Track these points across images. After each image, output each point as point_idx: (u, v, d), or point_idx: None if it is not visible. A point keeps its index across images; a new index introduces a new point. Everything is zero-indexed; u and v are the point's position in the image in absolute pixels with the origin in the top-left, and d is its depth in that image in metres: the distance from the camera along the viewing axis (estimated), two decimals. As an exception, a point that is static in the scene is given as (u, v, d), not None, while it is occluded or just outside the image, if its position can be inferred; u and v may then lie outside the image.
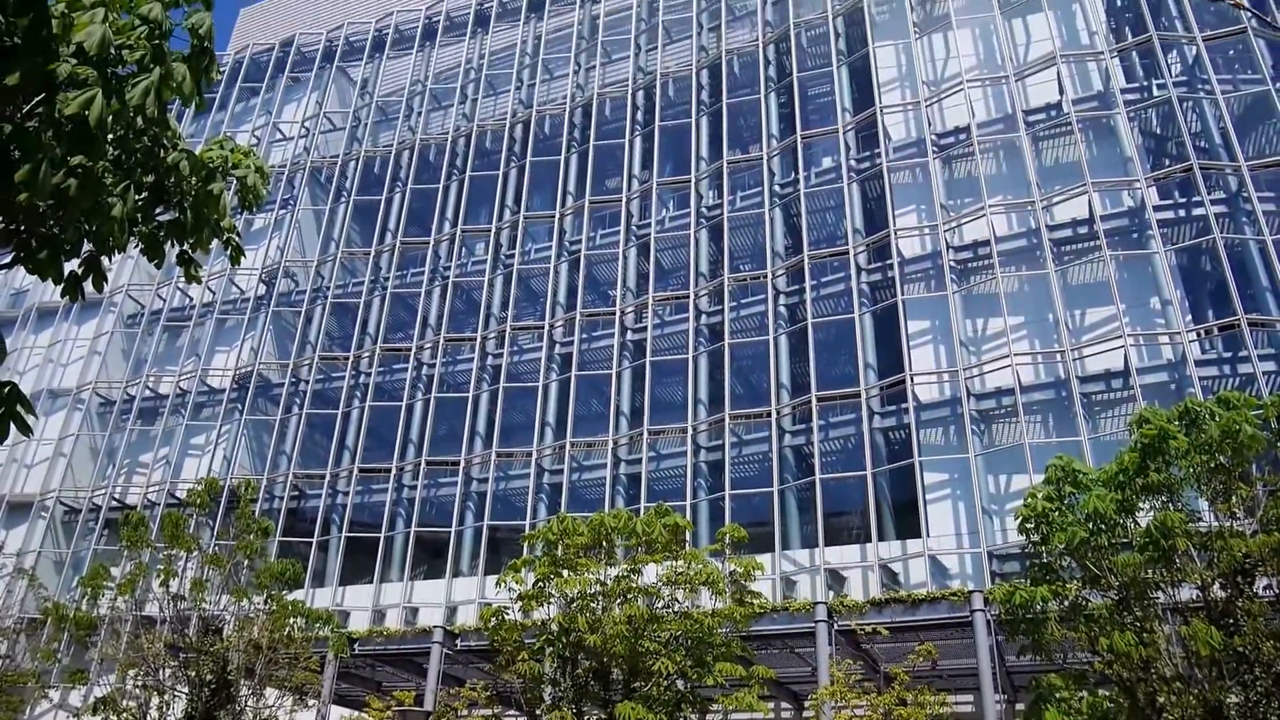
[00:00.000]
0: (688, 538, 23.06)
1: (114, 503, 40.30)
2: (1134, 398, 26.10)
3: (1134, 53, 32.02)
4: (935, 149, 32.88)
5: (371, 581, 34.72)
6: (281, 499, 37.48)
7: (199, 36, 7.61)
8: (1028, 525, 19.40)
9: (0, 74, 6.58)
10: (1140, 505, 18.05)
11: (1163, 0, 32.50)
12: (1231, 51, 31.15)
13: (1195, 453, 17.79)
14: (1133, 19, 33.49)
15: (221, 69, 48.20)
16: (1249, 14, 7.36)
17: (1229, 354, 26.43)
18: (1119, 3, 34.60)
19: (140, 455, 41.84)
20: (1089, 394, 27.32)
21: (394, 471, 36.69)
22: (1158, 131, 31.77)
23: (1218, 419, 17.82)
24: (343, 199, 45.22)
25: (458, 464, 35.97)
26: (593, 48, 44.44)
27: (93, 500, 40.62)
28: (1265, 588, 15.95)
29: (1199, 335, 27.13)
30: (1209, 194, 27.92)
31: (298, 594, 30.30)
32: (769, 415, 31.55)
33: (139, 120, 7.30)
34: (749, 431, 32.35)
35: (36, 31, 6.66)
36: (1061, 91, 31.47)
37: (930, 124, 33.38)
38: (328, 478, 37.48)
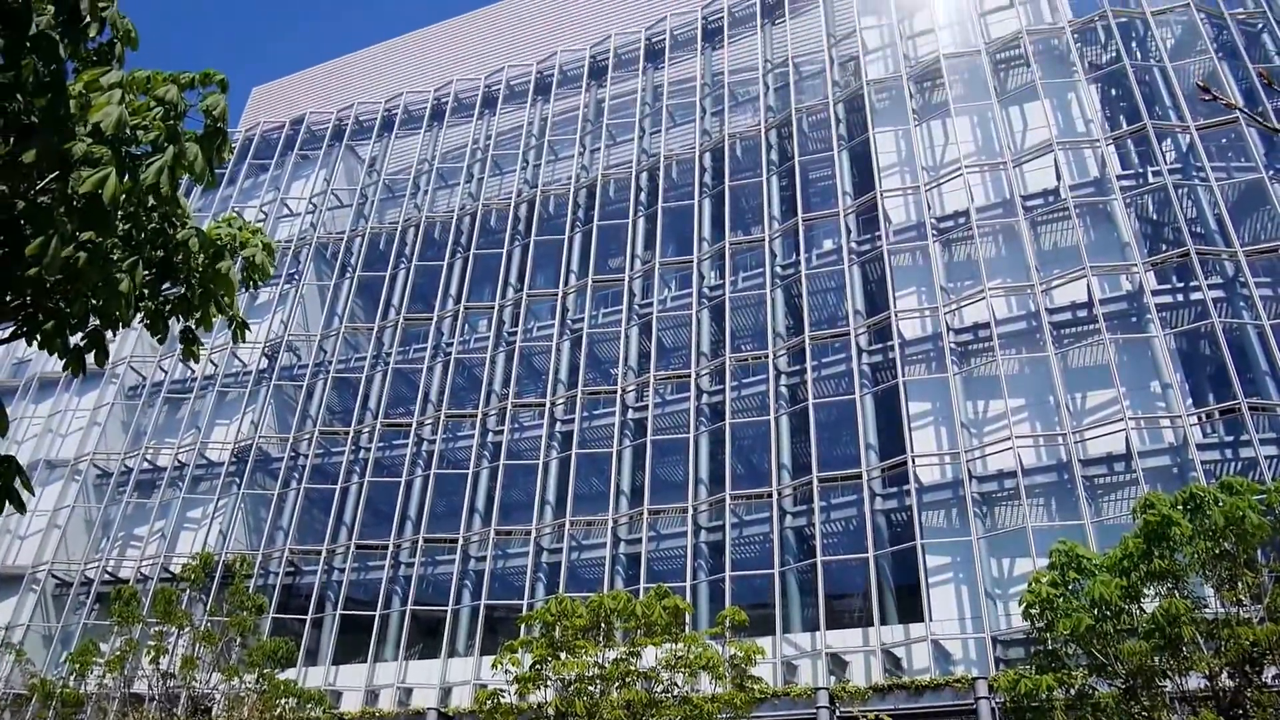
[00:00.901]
0: (687, 620, 22.74)
1: (107, 576, 39.78)
2: (1136, 481, 25.97)
3: (1129, 140, 32.62)
4: (935, 232, 33.28)
5: (365, 661, 34.10)
6: (276, 575, 37.05)
7: (213, 118, 7.78)
8: (1032, 611, 19.15)
9: (16, 151, 6.72)
10: (1145, 592, 17.84)
11: (1156, 90, 33.24)
12: (1224, 140, 31.75)
13: (1200, 539, 17.66)
14: (1127, 108, 34.21)
15: (232, 146, 49.17)
16: (1240, 110, 7.57)
17: (1230, 438, 26.38)
18: (1114, 92, 35.37)
19: (135, 528, 41.47)
20: (1091, 477, 27.19)
21: (391, 548, 36.31)
22: (1154, 217, 32.19)
23: (1221, 505, 17.72)
24: (347, 274, 45.65)
25: (456, 541, 35.63)
26: (598, 130, 45.31)
27: (85, 574, 40.12)
28: (1274, 677, 15.67)
29: (1200, 419, 27.11)
30: (1206, 279, 28.19)
31: (290, 673, 29.76)
32: (770, 496, 31.36)
33: (151, 198, 7.42)
34: (750, 512, 32.11)
35: (54, 111, 6.82)
36: (1059, 177, 31.98)
37: (930, 208, 33.84)
38: (324, 554, 37.09)
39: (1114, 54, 34.37)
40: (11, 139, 6.83)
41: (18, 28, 6.52)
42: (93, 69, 7.24)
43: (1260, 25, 33.70)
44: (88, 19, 7.08)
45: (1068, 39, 34.90)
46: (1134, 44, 34.71)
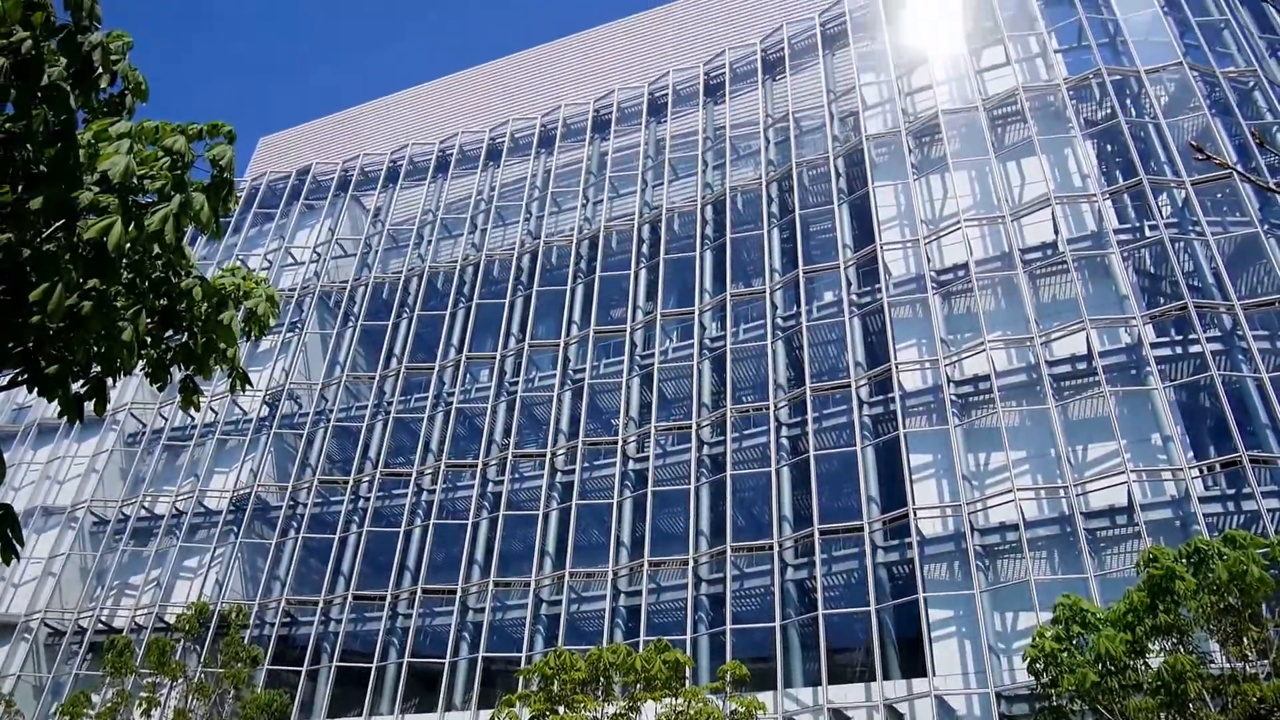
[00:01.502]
0: (688, 674, 22.48)
1: (100, 626, 39.40)
2: (1139, 534, 25.82)
3: (1125, 195, 32.94)
4: (935, 285, 33.46)
5: (361, 714, 33.62)
6: (272, 625, 36.67)
7: (220, 168, 7.89)
8: (1036, 666, 18.97)
9: (24, 199, 6.81)
10: (1150, 647, 17.68)
11: (1151, 146, 33.63)
12: (1220, 195, 32.05)
13: (1204, 593, 17.55)
14: (1123, 163, 34.59)
15: (238, 195, 49.68)
16: (1234, 169, 7.69)
17: (1232, 491, 26.27)
18: (1109, 148, 35.78)
19: (131, 577, 41.15)
20: (1093, 530, 27.03)
21: (389, 599, 36.00)
22: (1152, 271, 32.39)
23: (1225, 559, 17.63)
24: (350, 323, 45.84)
25: (454, 592, 35.32)
26: (601, 182, 45.79)
27: (78, 623, 39.73)
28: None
29: (1201, 472, 27.02)
30: (1205, 332, 28.28)
31: (283, 726, 29.35)
32: (771, 548, 31.16)
33: (155, 246, 7.50)
34: (751, 564, 31.88)
35: (63, 160, 6.92)
36: (1056, 231, 32.23)
37: (930, 261, 34.07)
38: (321, 604, 36.75)
39: (1109, 110, 34.83)
40: (20, 187, 6.93)
41: (30, 79, 6.64)
42: (103, 119, 7.36)
43: (1251, 83, 34.21)
44: (100, 71, 7.21)
45: (1063, 96, 35.40)
46: (1128, 101, 35.19)
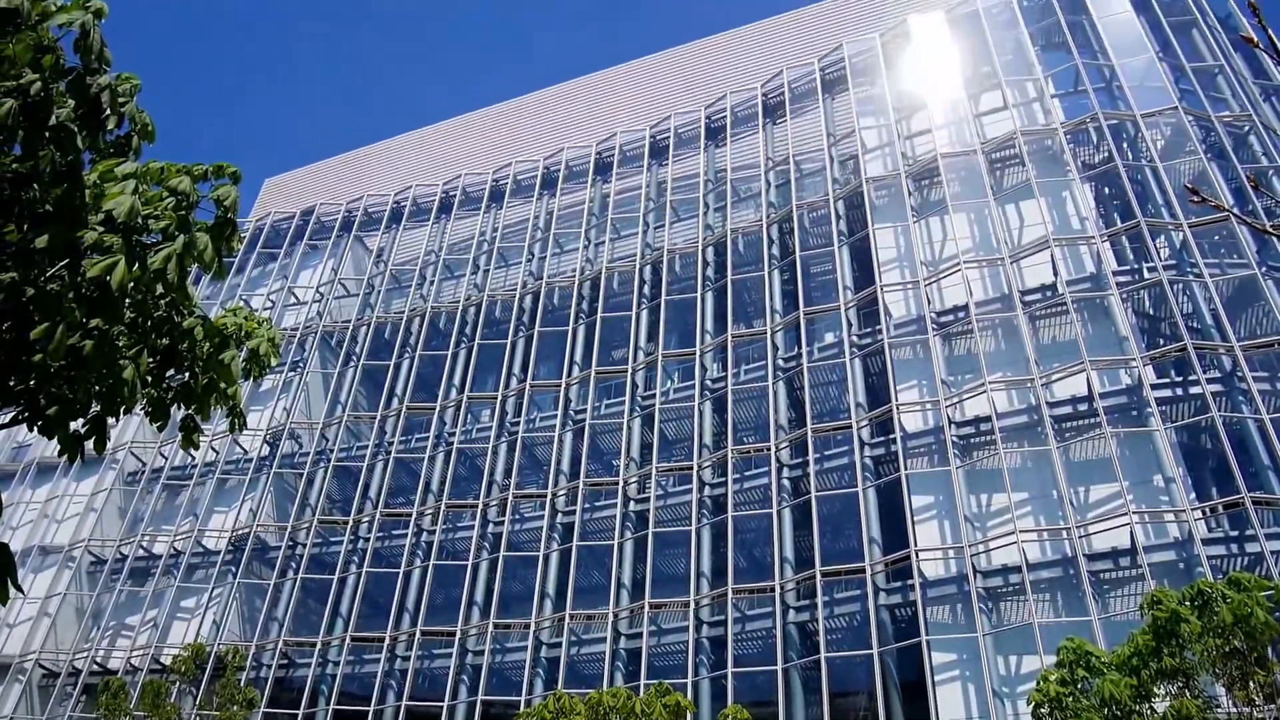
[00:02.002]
0: (689, 719, 22.23)
1: (95, 667, 39.05)
2: (1143, 576, 25.65)
3: (1124, 237, 33.13)
4: (935, 326, 33.54)
5: (357, 759, 33.21)
6: (269, 667, 36.33)
7: (224, 208, 7.98)
8: (1041, 710, 18.74)
9: (29, 238, 6.88)
10: (1156, 690, 17.49)
11: (1148, 188, 33.88)
12: (1217, 237, 32.23)
13: (1209, 636, 17.39)
14: (1120, 206, 34.83)
15: (242, 235, 50.04)
16: (1230, 212, 7.78)
17: (1235, 532, 26.13)
18: (1106, 190, 36.05)
19: (127, 617, 40.86)
20: (1097, 572, 26.86)
21: (388, 641, 35.70)
22: (1151, 312, 32.49)
23: (1229, 601, 17.50)
24: (352, 363, 45.92)
25: (454, 634, 35.04)
26: (602, 224, 46.10)
27: (73, 664, 39.37)
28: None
29: (1204, 513, 26.90)
30: (1205, 373, 28.32)
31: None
32: (773, 590, 30.95)
33: (159, 286, 7.55)
34: (752, 606, 31.64)
35: (69, 200, 7.00)
36: (1055, 273, 32.38)
37: (930, 302, 34.18)
38: (319, 645, 36.45)
39: (1106, 154, 35.14)
40: (25, 226, 7.00)
41: (38, 120, 6.75)
42: (109, 160, 7.46)
43: (1246, 128, 34.54)
44: (107, 112, 7.32)
45: (1060, 140, 35.74)
46: (1125, 144, 35.52)
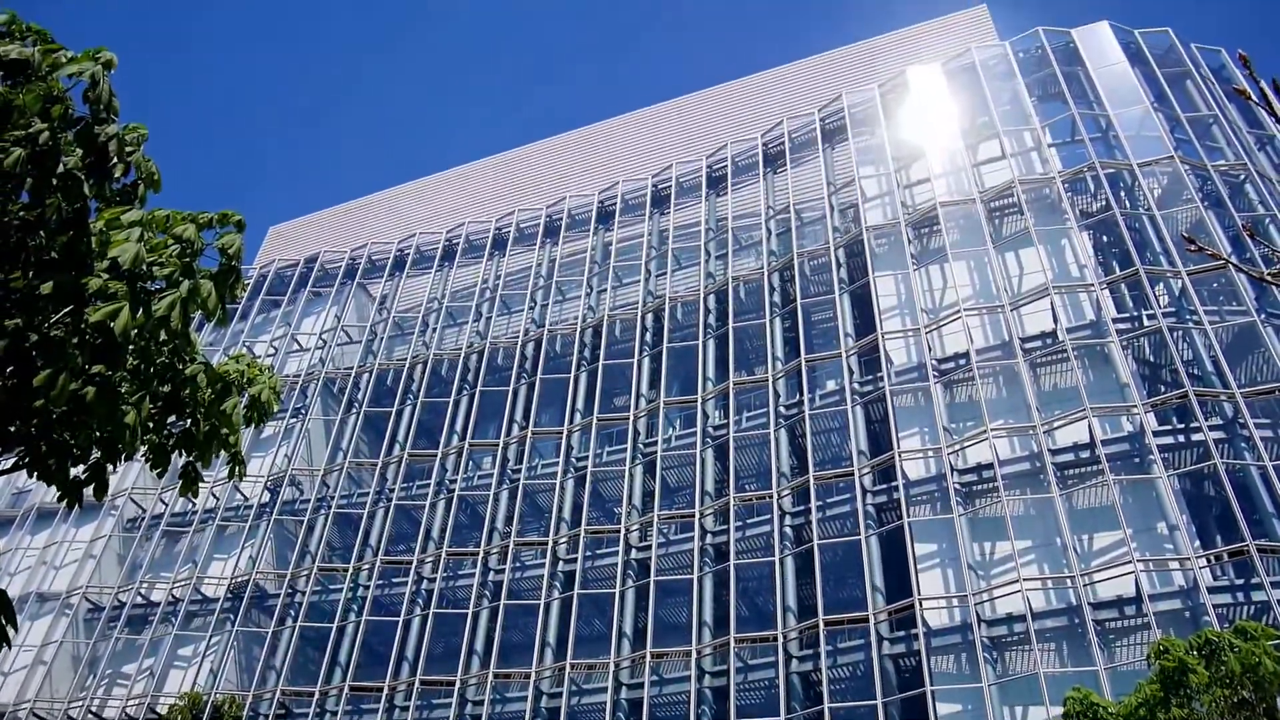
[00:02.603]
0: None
1: (91, 716, 38.56)
2: (1148, 625, 25.42)
3: (1123, 285, 33.29)
4: (936, 374, 33.58)
5: (353, 812, 32.67)
6: (266, 717, 35.88)
7: (228, 256, 8.06)
8: (1046, 763, 18.46)
9: (34, 285, 6.96)
10: (1163, 743, 17.24)
11: (1146, 236, 34.12)
12: (1216, 284, 32.38)
13: (1217, 686, 17.20)
14: (1119, 253, 35.04)
15: (246, 282, 50.33)
16: (1227, 261, 7.88)
17: (1241, 580, 25.94)
18: (1105, 239, 36.29)
19: (124, 665, 40.43)
20: (1102, 621, 26.60)
21: (386, 690, 35.29)
22: (1151, 359, 32.54)
23: (1237, 651, 17.34)
24: (354, 410, 45.92)
25: (453, 684, 34.64)
26: (604, 271, 46.38)
27: (69, 713, 38.88)
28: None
29: (1209, 561, 26.71)
30: (1206, 420, 28.28)
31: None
32: (775, 639, 30.64)
33: (162, 332, 7.61)
34: (755, 656, 31.31)
35: (75, 247, 7.09)
36: (1055, 320, 32.49)
37: (930, 350, 34.25)
38: (316, 695, 36.03)
39: (1104, 203, 35.44)
40: (30, 273, 7.08)
41: (46, 169, 6.86)
42: (115, 207, 7.56)
43: (1242, 176, 34.87)
44: (114, 161, 7.44)
45: (1058, 188, 36.07)
46: (1122, 193, 35.83)
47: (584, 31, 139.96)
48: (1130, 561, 26.68)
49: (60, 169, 6.91)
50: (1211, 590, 25.53)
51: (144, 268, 7.16)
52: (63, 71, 6.99)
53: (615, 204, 48.66)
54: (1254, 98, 6.74)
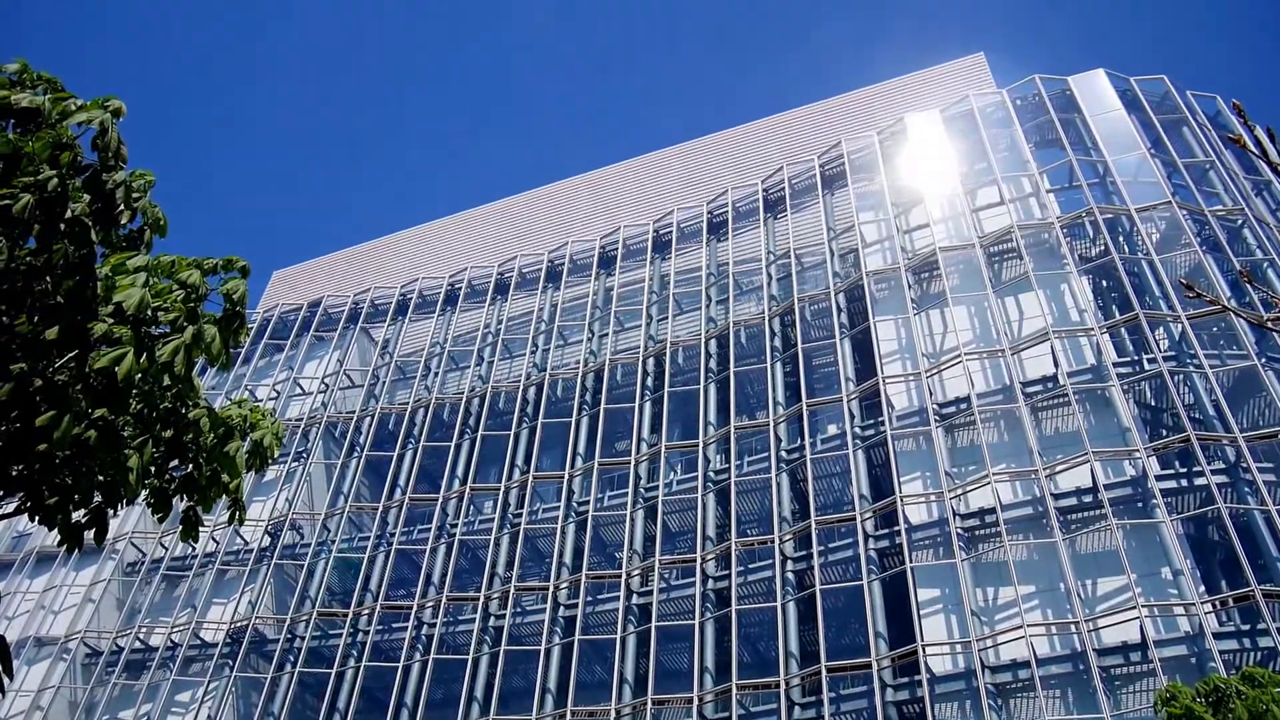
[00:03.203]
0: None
1: (86, 767, 38.12)
2: (1154, 672, 25.17)
3: (1123, 329, 33.40)
4: (937, 418, 33.58)
5: None
6: (263, 767, 35.44)
7: (232, 301, 8.17)
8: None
9: (40, 330, 7.05)
10: (1171, 793, 17.02)
11: (1145, 281, 34.30)
12: (1216, 328, 32.48)
13: (1224, 735, 17.00)
14: (1119, 298, 35.19)
15: (249, 326, 50.54)
16: (1226, 307, 7.99)
17: (1247, 626, 25.70)
18: (1104, 283, 36.47)
19: (121, 711, 39.95)
20: (1107, 667, 26.34)
21: (384, 739, 34.85)
22: (1152, 403, 32.54)
23: (1245, 698, 17.18)
24: (355, 454, 45.87)
25: (452, 732, 34.21)
26: (606, 316, 46.58)
27: (64, 763, 38.45)
28: None
29: (1214, 606, 26.49)
30: (1209, 464, 28.21)
31: None
32: (777, 686, 30.33)
33: (165, 377, 7.69)
34: (757, 703, 30.98)
35: (80, 293, 7.19)
36: (1056, 365, 32.54)
37: (931, 394, 34.29)
38: (314, 744, 35.58)
39: (1103, 247, 35.66)
40: (36, 318, 7.18)
41: (53, 215, 6.98)
42: (121, 253, 7.67)
43: (1240, 221, 35.12)
44: (121, 207, 7.56)
45: (1057, 234, 36.33)
46: (1120, 238, 36.07)
47: (588, 81, 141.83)
48: (1135, 607, 26.48)
49: (68, 215, 7.02)
50: (1217, 636, 25.31)
51: (149, 313, 7.25)
52: (72, 119, 7.14)
53: (617, 249, 49.01)
54: (1251, 148, 6.87)
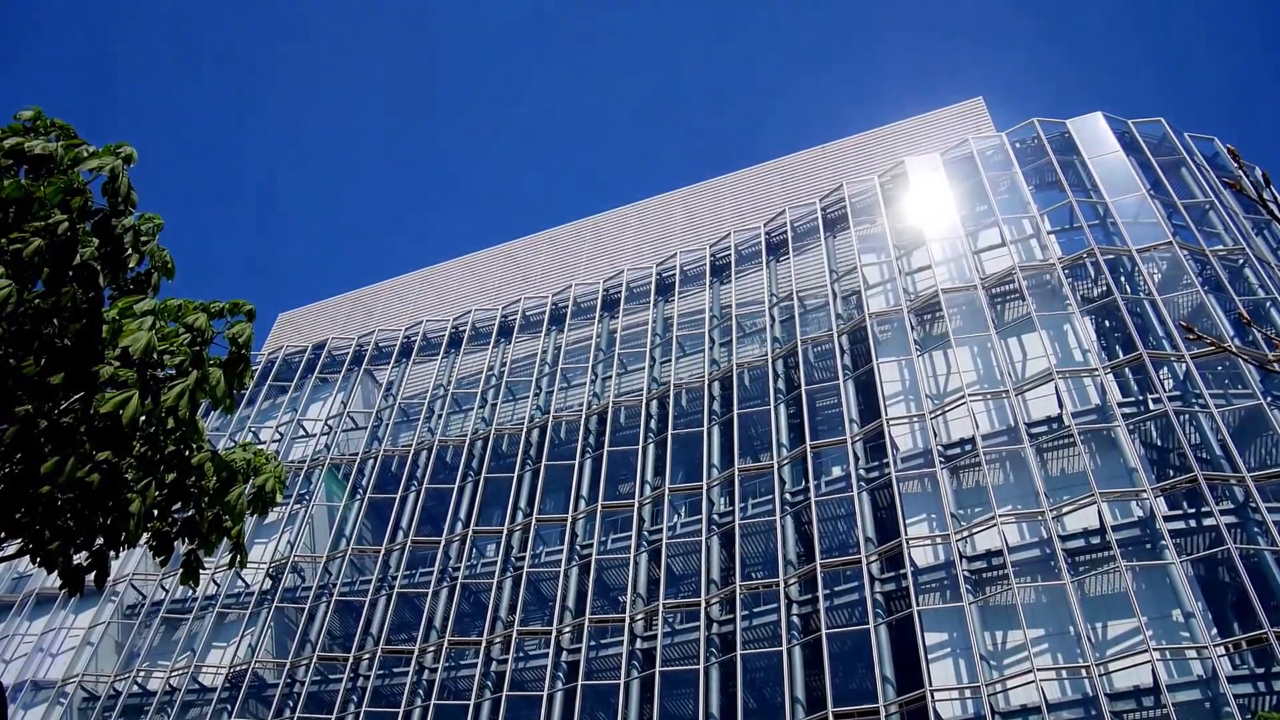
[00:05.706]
0: None
1: (82, 817, 37.55)
2: (1168, 717, 24.79)
3: (1127, 369, 33.35)
4: (942, 459, 33.43)
5: None
6: (261, 816, 34.88)
7: (237, 345, 8.18)
8: None
9: (46, 373, 7.05)
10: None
11: (1148, 320, 34.31)
12: (1220, 367, 32.42)
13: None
14: (1122, 338, 35.19)
15: (254, 368, 50.56)
16: (1227, 349, 8.01)
17: (1261, 669, 25.35)
18: (1107, 323, 36.49)
19: (118, 762, 39.47)
20: (1119, 712, 25.94)
21: (384, 787, 34.33)
22: (1159, 443, 32.39)
23: (1259, 744, 16.92)
24: (358, 496, 45.70)
25: (453, 780, 33.71)
26: (610, 359, 46.60)
27: (60, 813, 37.88)
28: None
29: (1227, 649, 26.16)
30: (1217, 504, 28.02)
31: None
32: (783, 732, 29.86)
33: (170, 420, 7.68)
34: (763, 749, 30.52)
35: (87, 336, 7.20)
36: (1061, 405, 32.46)
37: (936, 435, 34.17)
38: (313, 793, 35.04)
39: (1105, 288, 35.74)
40: (43, 360, 7.18)
41: (62, 259, 7.02)
42: (129, 296, 7.70)
43: (1241, 261, 35.21)
44: (129, 252, 7.61)
45: (1059, 274, 36.42)
46: (1122, 278, 36.16)
47: (591, 124, 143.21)
48: (1146, 650, 26.15)
49: (77, 259, 7.06)
50: (1231, 680, 24.95)
51: (155, 356, 7.26)
52: (84, 166, 7.21)
53: (620, 292, 49.18)
54: (1249, 190, 6.90)
